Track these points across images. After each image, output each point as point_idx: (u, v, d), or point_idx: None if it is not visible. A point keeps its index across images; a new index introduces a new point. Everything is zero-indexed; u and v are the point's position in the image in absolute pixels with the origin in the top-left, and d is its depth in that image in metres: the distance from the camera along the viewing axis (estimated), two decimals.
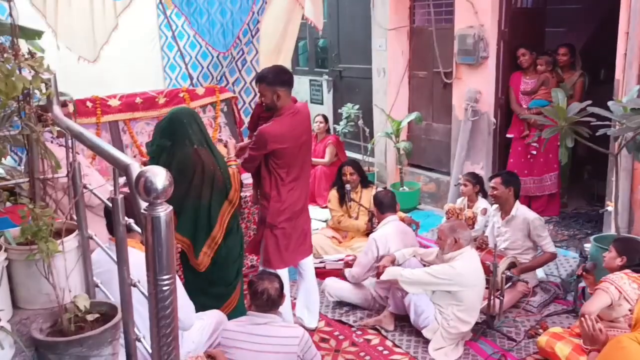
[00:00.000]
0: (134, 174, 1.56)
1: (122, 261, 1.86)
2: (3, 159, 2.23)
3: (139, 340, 1.92)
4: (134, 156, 5.10)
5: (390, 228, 4.34)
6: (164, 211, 1.46)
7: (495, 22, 5.80)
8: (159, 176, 1.45)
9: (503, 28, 5.83)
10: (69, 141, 2.22)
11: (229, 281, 3.58)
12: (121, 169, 1.67)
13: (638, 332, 2.58)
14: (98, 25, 4.80)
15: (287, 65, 5.65)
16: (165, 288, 1.50)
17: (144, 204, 1.48)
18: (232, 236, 3.55)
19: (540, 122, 4.71)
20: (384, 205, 4.48)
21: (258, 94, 3.68)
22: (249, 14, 5.03)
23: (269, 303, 3.01)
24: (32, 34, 3.76)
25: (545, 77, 5.71)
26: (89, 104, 4.79)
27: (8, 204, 2.15)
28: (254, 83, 5.25)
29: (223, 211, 3.47)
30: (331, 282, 4.41)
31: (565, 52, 5.89)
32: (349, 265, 4.62)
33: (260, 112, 3.82)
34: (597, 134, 3.83)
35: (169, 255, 1.49)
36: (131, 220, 1.88)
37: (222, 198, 3.46)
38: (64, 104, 4.17)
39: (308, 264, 4.00)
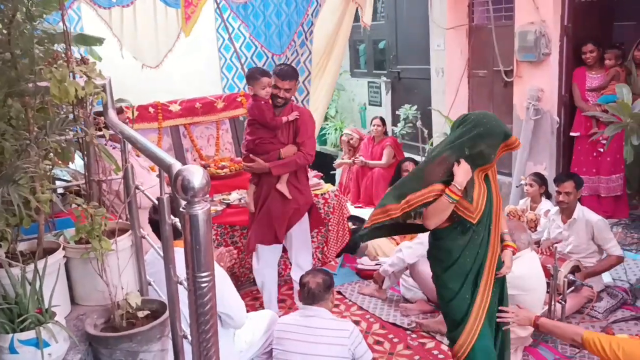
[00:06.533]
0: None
1: (168, 259, 1.90)
2: (70, 162, 2.33)
3: (186, 337, 1.96)
4: (194, 160, 5.24)
5: None
6: (201, 209, 1.47)
7: (558, 17, 5.61)
8: (196, 174, 1.46)
9: (566, 23, 5.62)
10: (122, 145, 2.30)
11: None
12: (164, 169, 1.71)
13: None
14: (162, 34, 4.99)
15: (339, 64, 5.66)
16: (204, 285, 1.52)
17: (182, 203, 1.51)
18: None
19: (605, 119, 4.48)
20: None
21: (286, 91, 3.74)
22: (304, 16, 5.08)
23: (310, 296, 3.08)
24: (94, 41, 3.97)
25: (615, 71, 5.45)
26: (151, 109, 4.98)
27: (74, 205, 2.24)
28: (307, 82, 5.30)
29: None
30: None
31: None
32: None
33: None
34: None
35: (207, 252, 1.51)
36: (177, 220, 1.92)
37: None
38: (120, 111, 4.35)
39: None
